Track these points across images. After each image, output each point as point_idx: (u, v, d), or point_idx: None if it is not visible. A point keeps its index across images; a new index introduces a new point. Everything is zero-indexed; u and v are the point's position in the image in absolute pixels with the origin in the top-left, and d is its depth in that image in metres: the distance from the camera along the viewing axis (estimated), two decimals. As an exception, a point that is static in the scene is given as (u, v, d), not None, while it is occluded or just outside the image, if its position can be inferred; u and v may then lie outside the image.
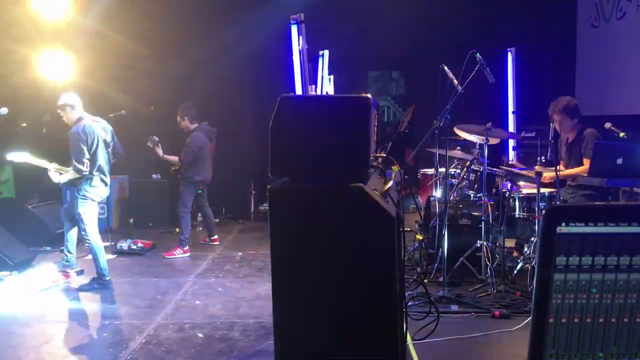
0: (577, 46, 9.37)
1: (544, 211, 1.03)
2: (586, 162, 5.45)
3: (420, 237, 3.11)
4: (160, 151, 7.37)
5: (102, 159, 5.91)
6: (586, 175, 5.27)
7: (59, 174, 5.84)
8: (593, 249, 1.03)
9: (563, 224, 1.00)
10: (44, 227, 7.40)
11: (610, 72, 8.39)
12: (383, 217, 2.34)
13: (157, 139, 7.31)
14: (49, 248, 7.30)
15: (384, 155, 2.95)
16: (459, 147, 6.44)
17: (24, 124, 8.48)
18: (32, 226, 7.37)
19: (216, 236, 7.97)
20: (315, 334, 2.40)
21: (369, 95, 2.39)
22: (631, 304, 1.04)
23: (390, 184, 2.57)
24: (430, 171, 7.05)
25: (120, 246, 7.33)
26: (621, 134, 5.16)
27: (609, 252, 1.03)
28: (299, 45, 3.81)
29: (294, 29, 3.88)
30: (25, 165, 6.11)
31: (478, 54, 5.11)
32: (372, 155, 2.64)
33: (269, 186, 2.39)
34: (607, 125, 5.33)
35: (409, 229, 2.74)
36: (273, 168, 2.44)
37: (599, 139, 5.44)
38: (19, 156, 5.87)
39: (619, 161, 4.82)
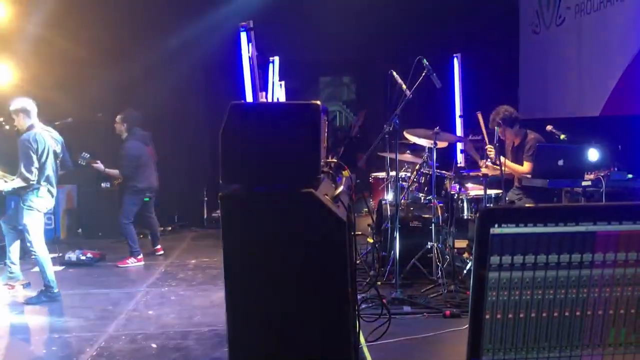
0: (520, 51, 9.70)
1: (478, 214, 1.10)
2: (526, 165, 5.68)
3: (372, 240, 3.16)
4: (101, 165, 7.20)
5: (51, 169, 5.78)
6: (529, 176, 5.47)
7: (3, 182, 5.67)
8: (524, 248, 1.10)
9: (496, 226, 1.07)
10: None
11: (550, 76, 8.71)
12: (334, 222, 2.38)
13: (88, 155, 7.12)
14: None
15: (335, 160, 2.99)
16: (408, 151, 6.57)
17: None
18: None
19: (159, 246, 7.75)
20: (269, 338, 2.42)
21: (319, 103, 2.43)
22: (560, 299, 1.11)
23: (340, 188, 2.61)
24: (382, 175, 7.16)
25: (69, 257, 7.15)
26: (562, 136, 5.38)
27: (539, 251, 1.10)
28: (248, 52, 3.84)
29: (243, 36, 3.90)
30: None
31: (425, 60, 5.23)
32: (322, 160, 2.68)
33: (220, 193, 2.40)
34: (549, 127, 5.55)
35: (359, 233, 2.79)
36: (224, 175, 2.44)
37: (542, 143, 5.66)
38: None
39: (560, 162, 5.03)
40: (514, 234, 1.09)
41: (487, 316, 1.09)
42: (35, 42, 7.51)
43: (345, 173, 2.94)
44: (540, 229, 1.09)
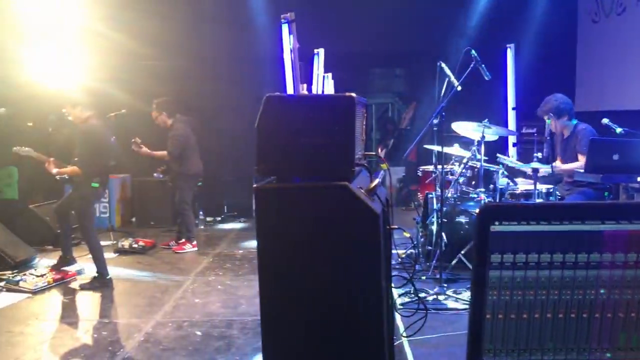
0: (578, 41, 9.36)
1: (478, 210, 1.05)
2: (581, 159, 5.45)
3: (408, 235, 3.13)
4: (146, 149, 7.35)
5: (106, 159, 5.97)
6: (582, 171, 5.27)
7: (57, 169, 5.89)
8: (526, 246, 1.05)
9: (496, 223, 1.02)
10: (46, 226, 7.45)
11: (609, 67, 8.37)
12: (368, 215, 2.36)
13: (139, 141, 7.32)
14: (50, 247, 7.33)
15: (373, 153, 2.96)
16: (457, 144, 6.44)
17: (30, 124, 8.52)
18: (34, 225, 7.42)
19: (195, 242, 7.62)
20: (301, 331, 2.43)
21: (353, 95, 2.40)
22: (565, 300, 1.06)
23: (376, 181, 2.58)
24: (430, 168, 7.05)
25: (122, 245, 7.38)
26: (618, 130, 5.15)
27: (543, 249, 1.05)
28: (289, 44, 3.84)
29: (285, 28, 3.90)
30: (29, 165, 6.17)
31: (473, 51, 5.11)
32: (360, 153, 2.65)
33: (254, 185, 2.41)
34: (604, 121, 5.33)
35: (396, 227, 2.76)
36: (259, 167, 2.46)
37: (594, 134, 5.44)
38: (22, 150, 5.99)
39: (615, 157, 4.81)
40: (516, 231, 1.04)
41: (488, 316, 1.05)
42: (91, 35, 7.73)
43: (384, 166, 2.90)
44: (543, 227, 1.03)
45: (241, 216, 9.75)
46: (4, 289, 5.62)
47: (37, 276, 5.82)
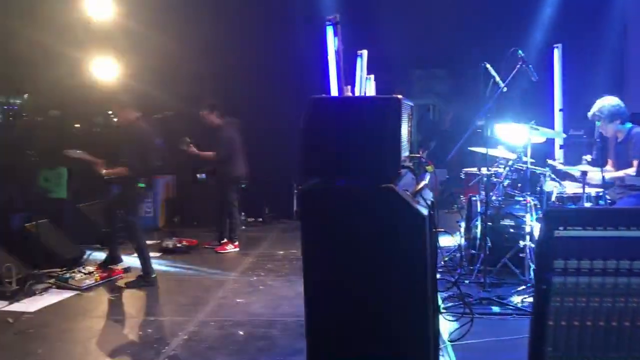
0: (627, 40, 9.09)
1: (542, 214, 1.03)
2: (636, 164, 5.25)
3: (455, 239, 3.08)
4: (195, 149, 7.46)
5: (151, 160, 6.08)
6: (634, 174, 5.10)
7: (105, 170, 6.04)
8: (591, 252, 1.01)
9: (561, 228, 0.99)
10: (94, 226, 7.61)
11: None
12: (413, 217, 2.34)
13: (189, 140, 7.43)
14: (98, 245, 7.50)
15: (418, 155, 2.94)
16: (501, 146, 6.32)
17: (77, 125, 8.76)
18: (82, 224, 7.61)
19: (237, 242, 7.72)
20: (346, 332, 2.42)
21: (400, 96, 2.39)
22: (632, 307, 1.02)
23: (422, 184, 2.56)
24: (474, 170, 6.94)
25: (166, 244, 7.50)
26: (671, 131, 4.97)
27: (608, 256, 1.01)
28: (334, 46, 3.84)
29: (330, 30, 3.90)
30: (78, 165, 6.33)
31: (520, 51, 5.02)
32: (405, 155, 2.63)
33: (299, 187, 2.43)
34: (657, 122, 5.15)
35: (442, 229, 2.73)
36: (304, 168, 2.47)
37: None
38: (74, 153, 6.16)
39: (669, 160, 4.65)
40: (581, 237, 1.00)
41: (551, 322, 1.02)
42: (137, 39, 7.88)
43: (429, 168, 2.88)
44: (610, 233, 0.99)
45: (282, 217, 9.79)
46: (54, 286, 5.78)
47: (85, 274, 5.98)
